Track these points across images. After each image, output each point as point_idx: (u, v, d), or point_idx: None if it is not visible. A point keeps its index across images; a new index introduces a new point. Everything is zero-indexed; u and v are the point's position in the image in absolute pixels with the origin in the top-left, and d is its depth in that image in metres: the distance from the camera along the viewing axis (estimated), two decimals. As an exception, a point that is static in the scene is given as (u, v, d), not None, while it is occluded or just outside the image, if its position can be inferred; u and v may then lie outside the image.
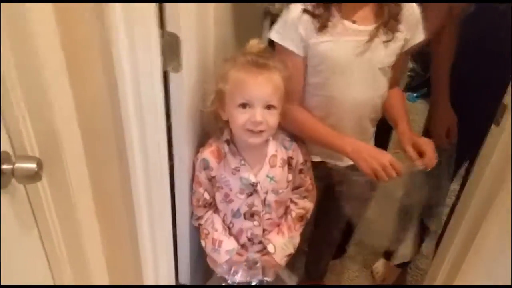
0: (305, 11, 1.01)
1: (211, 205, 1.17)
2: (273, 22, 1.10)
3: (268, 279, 1.25)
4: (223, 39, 1.11)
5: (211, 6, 1.00)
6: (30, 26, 0.67)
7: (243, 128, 0.98)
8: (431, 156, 1.05)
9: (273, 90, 0.97)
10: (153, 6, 0.81)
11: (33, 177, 0.72)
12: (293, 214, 1.18)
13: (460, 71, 1.31)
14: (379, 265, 1.76)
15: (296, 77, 1.07)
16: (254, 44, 1.01)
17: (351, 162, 1.10)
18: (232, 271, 1.21)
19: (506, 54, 1.16)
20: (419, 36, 1.10)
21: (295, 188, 1.17)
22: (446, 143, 1.33)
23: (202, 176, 1.09)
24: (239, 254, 1.16)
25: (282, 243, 1.16)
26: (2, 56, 0.67)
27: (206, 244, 1.18)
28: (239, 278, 1.21)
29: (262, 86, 0.96)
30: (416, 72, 2.87)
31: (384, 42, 1.04)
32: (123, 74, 0.81)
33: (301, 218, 1.20)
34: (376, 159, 1.00)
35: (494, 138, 0.98)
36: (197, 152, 1.12)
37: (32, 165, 0.72)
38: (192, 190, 1.15)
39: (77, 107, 0.81)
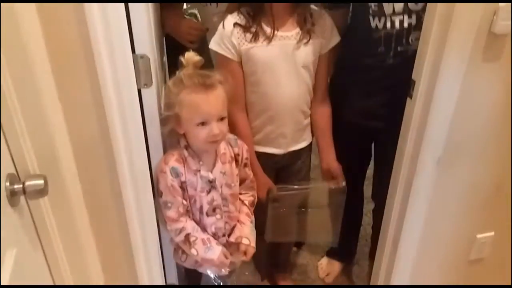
0: (236, 24, 1.23)
1: (188, 211, 1.23)
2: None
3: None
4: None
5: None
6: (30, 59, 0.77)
7: (205, 141, 1.11)
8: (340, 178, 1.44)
9: (223, 104, 1.11)
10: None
11: (41, 192, 0.81)
12: (246, 202, 1.33)
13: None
14: (323, 261, 1.93)
15: (235, 80, 1.26)
16: (190, 56, 1.12)
17: (288, 150, 1.41)
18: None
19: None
20: (335, 39, 1.33)
21: (241, 183, 1.31)
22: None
23: (175, 184, 1.15)
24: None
25: (249, 231, 1.30)
26: (5, 89, 0.76)
27: (197, 249, 1.19)
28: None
29: (214, 105, 1.09)
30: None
31: (304, 43, 1.26)
32: (108, 94, 0.92)
33: (252, 203, 1.36)
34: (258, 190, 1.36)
35: (409, 109, 1.22)
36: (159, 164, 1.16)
37: (40, 181, 0.80)
38: (166, 205, 1.16)
39: (68, 127, 0.91)
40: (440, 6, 1.07)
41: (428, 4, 1.13)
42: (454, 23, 1.04)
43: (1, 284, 0.68)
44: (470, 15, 1.04)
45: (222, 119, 1.12)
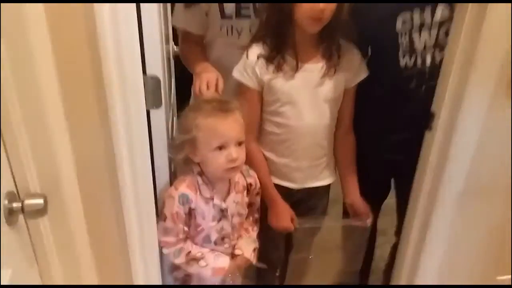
0: (260, 55, 1.20)
1: (187, 238, 1.19)
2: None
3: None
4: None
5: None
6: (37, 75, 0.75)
7: (222, 168, 1.08)
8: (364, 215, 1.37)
9: (241, 129, 1.09)
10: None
11: (41, 212, 0.79)
12: (250, 219, 1.30)
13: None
14: None
15: (253, 109, 1.24)
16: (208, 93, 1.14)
17: (303, 186, 1.35)
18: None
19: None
20: (363, 74, 1.27)
21: (249, 207, 1.28)
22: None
23: (181, 211, 1.11)
24: None
25: (245, 243, 1.26)
26: (9, 104, 0.75)
27: (206, 260, 1.17)
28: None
29: (233, 127, 1.07)
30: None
31: (329, 77, 1.22)
32: (116, 115, 0.90)
33: (256, 221, 1.31)
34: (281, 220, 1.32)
35: (428, 142, 1.17)
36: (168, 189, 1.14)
37: (40, 201, 0.78)
38: (166, 230, 1.12)
39: (73, 147, 0.89)
40: (464, 36, 1.03)
41: (451, 33, 1.10)
42: (478, 54, 1.01)
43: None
44: (495, 48, 1.01)
45: (240, 144, 1.09)
